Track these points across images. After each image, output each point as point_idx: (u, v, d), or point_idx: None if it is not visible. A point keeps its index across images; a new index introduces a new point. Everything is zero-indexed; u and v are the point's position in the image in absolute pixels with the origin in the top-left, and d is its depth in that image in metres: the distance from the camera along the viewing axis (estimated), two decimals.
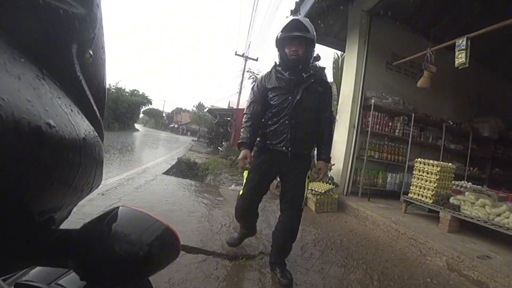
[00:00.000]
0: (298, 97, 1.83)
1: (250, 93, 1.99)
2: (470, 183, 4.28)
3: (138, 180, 4.27)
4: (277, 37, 1.87)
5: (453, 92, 5.88)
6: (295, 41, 1.83)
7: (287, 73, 1.87)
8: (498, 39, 4.78)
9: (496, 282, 2.08)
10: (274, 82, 1.90)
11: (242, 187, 2.01)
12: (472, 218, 2.98)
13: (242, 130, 1.88)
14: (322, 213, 3.92)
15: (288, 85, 1.86)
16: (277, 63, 1.97)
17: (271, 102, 1.89)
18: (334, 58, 7.17)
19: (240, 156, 1.79)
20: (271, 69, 1.97)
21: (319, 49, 6.39)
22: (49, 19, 0.23)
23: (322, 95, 1.92)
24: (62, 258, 0.25)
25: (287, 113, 1.83)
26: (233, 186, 5.21)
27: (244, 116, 1.92)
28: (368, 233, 3.27)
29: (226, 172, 7.04)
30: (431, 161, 3.72)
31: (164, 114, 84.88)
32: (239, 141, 1.85)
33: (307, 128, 1.89)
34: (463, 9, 4.60)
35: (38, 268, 0.40)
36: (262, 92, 1.91)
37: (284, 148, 1.85)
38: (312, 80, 1.88)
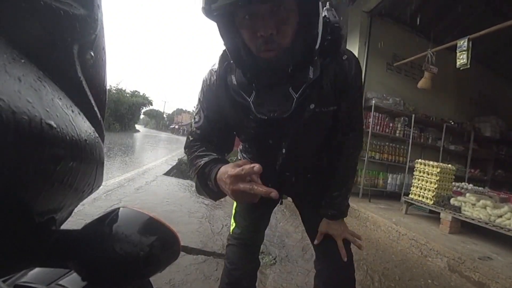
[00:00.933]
0: (287, 145, 0.90)
1: (196, 106, 0.95)
2: (471, 185, 4.27)
3: (138, 181, 4.27)
4: (205, 6, 0.67)
5: (454, 93, 5.88)
6: (259, 8, 0.68)
7: (255, 94, 0.80)
8: (499, 40, 4.78)
9: (497, 284, 2.08)
10: (232, 112, 0.87)
11: (233, 221, 1.15)
12: (473, 220, 2.97)
13: (191, 160, 0.87)
14: None
15: (264, 127, 0.86)
16: (229, 64, 0.84)
17: (241, 145, 1.10)
18: None
19: (227, 172, 0.69)
20: (216, 77, 0.87)
21: None
22: (49, 20, 0.23)
23: (345, 106, 0.89)
24: (63, 259, 0.25)
25: (273, 171, 0.96)
26: None
27: (189, 142, 0.91)
28: (369, 234, 3.27)
29: None
30: (431, 162, 3.72)
31: (164, 115, 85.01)
32: (198, 169, 0.81)
33: (313, 171, 1.05)
34: (464, 10, 4.59)
35: (37, 269, 0.40)
36: (217, 118, 0.90)
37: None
38: (313, 106, 0.82)
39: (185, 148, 0.93)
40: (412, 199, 3.81)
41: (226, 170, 0.70)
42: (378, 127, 4.94)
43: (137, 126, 37.17)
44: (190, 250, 2.09)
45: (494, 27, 3.16)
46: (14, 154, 0.17)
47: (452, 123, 5.54)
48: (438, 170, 3.56)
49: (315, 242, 1.00)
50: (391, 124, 5.11)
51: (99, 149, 0.29)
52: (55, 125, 0.21)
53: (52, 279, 0.39)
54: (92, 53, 0.29)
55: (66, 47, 0.26)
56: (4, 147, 0.16)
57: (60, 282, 0.39)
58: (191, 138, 0.91)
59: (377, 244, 2.93)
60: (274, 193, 0.63)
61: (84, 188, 0.27)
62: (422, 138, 5.37)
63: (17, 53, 0.21)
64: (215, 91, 0.87)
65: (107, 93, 0.36)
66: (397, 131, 5.12)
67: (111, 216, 0.27)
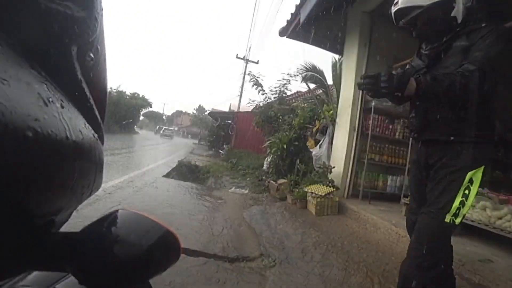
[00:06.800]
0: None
1: None
2: None
3: (138, 183, 4.27)
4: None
5: None
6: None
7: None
8: None
9: (498, 286, 2.07)
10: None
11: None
12: (473, 221, 2.96)
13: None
14: (323, 216, 3.91)
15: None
16: None
17: None
18: (332, 61, 7.20)
19: None
20: None
21: (320, 52, 6.39)
22: (49, 22, 0.23)
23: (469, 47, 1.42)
24: (61, 262, 0.25)
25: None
26: (233, 189, 5.20)
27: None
28: (369, 236, 3.26)
29: (227, 175, 7.04)
30: None
31: (164, 117, 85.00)
32: None
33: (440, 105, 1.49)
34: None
35: (34, 273, 0.40)
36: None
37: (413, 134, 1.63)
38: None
39: None
40: None
41: None
42: (377, 129, 4.94)
43: (137, 128, 37.16)
44: (190, 252, 2.08)
45: None
46: (14, 157, 0.17)
47: None
48: None
49: None
50: (390, 126, 5.11)
51: (98, 151, 0.29)
52: (55, 128, 0.21)
53: (50, 283, 0.39)
54: (92, 55, 0.29)
55: (65, 49, 0.26)
56: (3, 150, 0.16)
57: (57, 286, 0.39)
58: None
59: (377, 246, 2.93)
60: None
61: (83, 190, 0.27)
62: None
63: (17, 55, 0.21)
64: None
65: (107, 95, 0.36)
66: (397, 133, 5.12)
67: (110, 219, 0.26)
